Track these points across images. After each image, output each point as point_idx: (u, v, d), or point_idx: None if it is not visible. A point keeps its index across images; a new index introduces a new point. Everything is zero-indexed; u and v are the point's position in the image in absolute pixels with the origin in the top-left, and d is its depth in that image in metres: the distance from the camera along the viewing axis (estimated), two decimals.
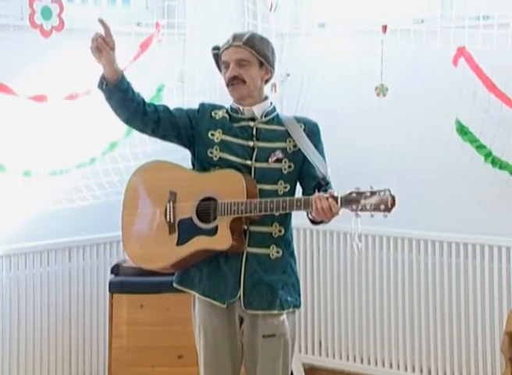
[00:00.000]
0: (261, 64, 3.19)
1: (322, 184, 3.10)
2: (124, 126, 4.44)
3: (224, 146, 3.18)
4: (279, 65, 4.80)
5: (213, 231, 3.11)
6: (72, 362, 4.47)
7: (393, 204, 2.88)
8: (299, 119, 3.25)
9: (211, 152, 3.20)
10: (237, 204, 3.05)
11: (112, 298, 4.19)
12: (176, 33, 4.68)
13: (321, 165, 3.12)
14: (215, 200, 3.12)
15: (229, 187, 3.10)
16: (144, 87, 4.44)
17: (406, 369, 4.67)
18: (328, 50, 4.80)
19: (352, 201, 2.91)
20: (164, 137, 3.29)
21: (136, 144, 4.26)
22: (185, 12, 4.77)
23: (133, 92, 3.18)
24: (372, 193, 2.90)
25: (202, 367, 3.24)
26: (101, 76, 3.14)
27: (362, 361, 4.82)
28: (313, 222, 3.11)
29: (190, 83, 4.64)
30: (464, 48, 4.15)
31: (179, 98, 4.63)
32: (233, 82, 3.16)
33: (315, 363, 4.97)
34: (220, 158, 3.18)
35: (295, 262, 3.25)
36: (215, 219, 3.11)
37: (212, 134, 3.21)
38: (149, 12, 4.74)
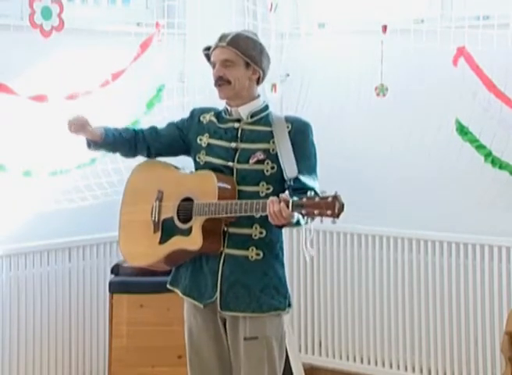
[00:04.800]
0: (247, 64, 3.16)
1: (286, 187, 3.07)
2: None
3: (209, 150, 3.21)
4: (279, 65, 4.84)
5: (187, 231, 3.13)
6: (72, 362, 4.47)
7: (341, 209, 2.81)
8: (288, 119, 3.20)
9: (199, 157, 3.23)
10: (208, 205, 3.06)
11: (111, 298, 4.19)
12: (176, 33, 4.69)
13: (290, 167, 3.06)
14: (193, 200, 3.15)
15: (203, 187, 3.12)
16: (144, 87, 4.48)
17: (406, 369, 4.66)
18: (328, 50, 4.80)
19: (302, 205, 2.85)
20: (159, 156, 3.38)
21: None
22: (185, 12, 4.78)
23: (121, 135, 3.30)
24: (322, 198, 2.83)
25: (188, 365, 3.27)
26: (87, 140, 3.31)
27: (362, 361, 4.82)
28: (275, 226, 3.01)
29: (190, 83, 4.65)
30: (464, 48, 4.15)
31: (179, 98, 4.63)
32: (219, 82, 3.17)
33: (315, 363, 4.97)
34: (205, 162, 3.21)
35: (281, 265, 3.20)
36: (191, 219, 3.13)
37: (200, 139, 3.25)
38: (149, 12, 4.74)
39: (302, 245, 3.01)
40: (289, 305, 3.20)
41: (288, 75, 4.95)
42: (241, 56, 3.15)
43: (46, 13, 4.05)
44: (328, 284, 4.89)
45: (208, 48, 3.25)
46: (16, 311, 4.22)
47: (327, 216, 2.83)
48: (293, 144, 3.12)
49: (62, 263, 4.41)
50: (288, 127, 3.16)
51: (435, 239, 4.50)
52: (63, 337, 4.41)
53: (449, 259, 4.46)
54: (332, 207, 2.81)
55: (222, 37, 3.17)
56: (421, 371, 4.61)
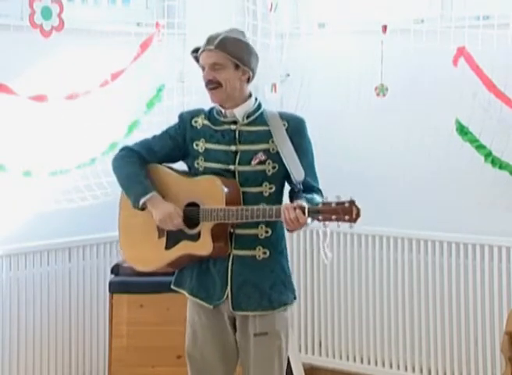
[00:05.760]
0: (236, 66, 3.14)
1: (295, 191, 3.08)
2: (124, 127, 4.48)
3: (207, 155, 3.19)
4: (279, 65, 4.84)
5: (196, 236, 3.13)
6: (72, 362, 4.47)
7: (358, 214, 2.84)
8: (283, 116, 3.19)
9: (198, 163, 3.21)
10: (217, 210, 3.06)
11: (111, 298, 4.19)
12: (176, 33, 4.69)
13: (296, 170, 3.07)
14: (198, 205, 3.13)
15: (209, 193, 3.11)
16: (144, 87, 4.48)
17: (406, 369, 4.66)
18: (328, 50, 4.79)
19: (318, 212, 2.88)
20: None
21: None
22: (185, 12, 4.78)
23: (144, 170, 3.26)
24: (338, 203, 2.86)
25: (188, 364, 3.26)
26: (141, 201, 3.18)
27: (362, 361, 4.82)
28: (287, 229, 3.05)
29: (190, 83, 4.64)
30: (464, 48, 4.15)
31: (179, 98, 4.63)
32: (210, 86, 3.15)
33: (315, 363, 4.97)
34: (205, 167, 3.19)
35: (286, 260, 3.23)
36: (198, 224, 3.12)
37: (197, 145, 3.22)
38: (149, 12, 4.74)
39: (320, 249, 3.02)
40: (295, 298, 3.23)
41: (288, 75, 4.95)
42: (230, 58, 3.12)
43: (46, 13, 4.05)
44: (328, 284, 4.89)
45: (195, 50, 3.22)
46: (16, 311, 4.23)
47: (344, 221, 2.85)
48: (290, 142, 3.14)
49: (62, 263, 4.41)
50: (284, 125, 3.16)
51: (435, 239, 4.50)
52: (63, 337, 4.42)
53: (449, 259, 4.46)
54: (349, 212, 2.84)
55: (210, 40, 3.15)
56: (421, 371, 4.61)
